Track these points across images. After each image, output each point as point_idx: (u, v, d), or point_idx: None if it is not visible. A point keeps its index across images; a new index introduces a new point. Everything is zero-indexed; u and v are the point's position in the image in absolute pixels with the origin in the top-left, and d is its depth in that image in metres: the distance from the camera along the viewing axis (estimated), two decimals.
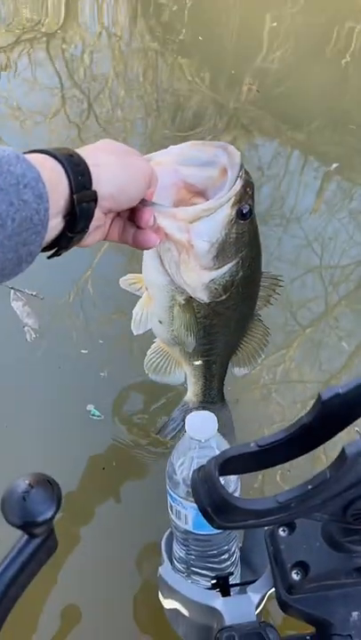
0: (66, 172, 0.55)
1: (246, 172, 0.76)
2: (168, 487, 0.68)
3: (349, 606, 0.56)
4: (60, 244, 0.59)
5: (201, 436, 0.64)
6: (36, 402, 1.30)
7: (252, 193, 0.79)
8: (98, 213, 0.60)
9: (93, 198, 0.58)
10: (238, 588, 0.71)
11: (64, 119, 2.72)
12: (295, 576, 0.57)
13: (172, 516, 0.68)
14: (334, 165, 2.36)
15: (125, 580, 1.00)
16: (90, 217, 0.58)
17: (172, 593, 0.65)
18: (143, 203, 0.67)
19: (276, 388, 1.43)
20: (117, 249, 1.70)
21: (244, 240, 0.82)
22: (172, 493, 0.67)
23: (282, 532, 0.60)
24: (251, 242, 0.84)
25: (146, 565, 1.00)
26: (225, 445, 0.65)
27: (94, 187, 0.58)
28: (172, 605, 0.67)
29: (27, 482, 0.51)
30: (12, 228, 0.50)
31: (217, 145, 0.73)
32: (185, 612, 0.65)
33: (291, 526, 0.60)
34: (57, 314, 1.53)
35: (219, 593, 0.61)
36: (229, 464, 0.52)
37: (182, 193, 0.77)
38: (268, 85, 2.96)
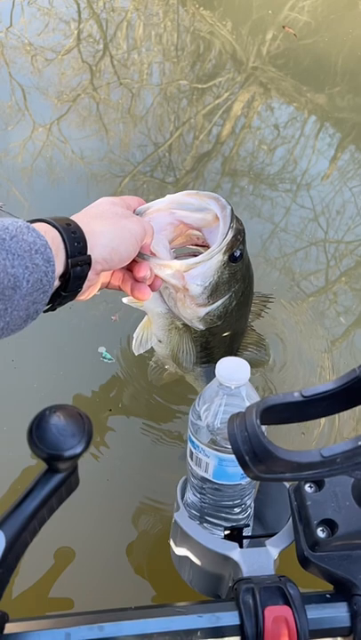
0: (63, 239, 0.62)
1: (237, 220, 0.81)
2: (190, 433, 0.65)
3: None
4: (54, 302, 0.65)
5: (231, 382, 0.61)
6: (45, 341, 1.27)
7: (244, 238, 0.83)
8: (91, 274, 0.66)
9: (88, 262, 0.64)
10: (250, 540, 0.70)
11: (77, 59, 2.60)
12: (321, 533, 0.55)
13: (191, 463, 0.66)
14: None
15: (128, 524, 0.99)
16: (83, 278, 0.65)
17: (186, 539, 0.63)
18: (140, 256, 0.73)
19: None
20: None
21: (237, 277, 0.87)
22: (193, 439, 0.64)
23: (308, 489, 0.58)
24: (243, 275, 0.88)
25: (149, 508, 0.99)
26: (255, 395, 0.62)
27: (89, 251, 0.64)
28: (183, 552, 0.65)
29: (56, 413, 0.48)
30: (26, 288, 0.57)
31: (209, 195, 0.78)
32: (196, 559, 0.63)
33: (319, 483, 0.58)
34: None
35: (236, 544, 0.59)
36: (270, 413, 0.49)
37: (179, 229, 0.82)
38: (294, 38, 2.85)
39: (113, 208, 0.72)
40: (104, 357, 1.21)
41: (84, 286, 0.66)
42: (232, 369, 0.61)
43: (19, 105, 2.16)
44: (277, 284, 1.59)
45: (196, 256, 0.80)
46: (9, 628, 0.51)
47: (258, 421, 0.48)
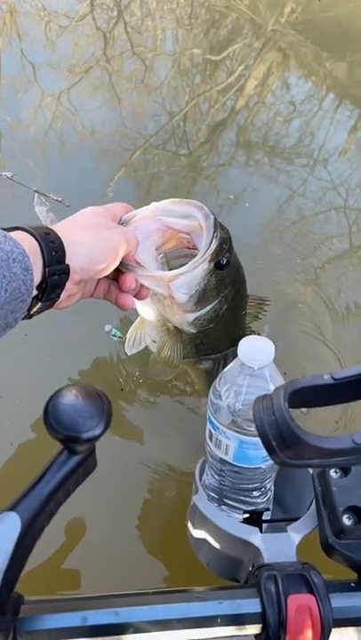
0: (40, 248, 0.62)
1: (222, 228, 0.80)
2: (209, 413, 0.63)
3: None
4: (30, 309, 0.65)
5: (254, 363, 0.58)
6: (56, 316, 1.25)
7: (230, 245, 0.82)
8: (69, 284, 0.66)
9: (66, 271, 0.64)
10: (269, 524, 0.68)
11: (91, 25, 2.54)
12: (347, 521, 0.53)
13: (210, 444, 0.64)
14: None
15: (140, 503, 0.98)
16: (61, 287, 0.65)
17: (204, 522, 0.62)
18: (124, 267, 0.74)
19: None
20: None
21: (226, 282, 0.86)
22: (213, 420, 0.62)
23: (334, 474, 0.56)
24: (233, 280, 0.88)
25: (162, 486, 0.98)
26: (278, 377, 0.60)
27: (67, 261, 0.64)
28: (201, 535, 0.63)
29: (74, 392, 0.46)
30: (4, 297, 0.56)
31: (193, 204, 0.78)
32: (215, 543, 0.62)
33: (345, 469, 0.56)
34: None
35: (257, 529, 0.57)
36: (298, 395, 0.47)
37: (169, 234, 0.81)
38: (317, 3, 2.77)
39: (96, 219, 0.72)
40: (114, 335, 1.19)
41: (63, 295, 0.67)
42: (256, 348, 0.58)
43: (28, 78, 2.11)
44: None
45: (188, 257, 0.80)
46: (24, 610, 0.49)
47: (286, 405, 0.45)
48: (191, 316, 0.86)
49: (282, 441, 0.45)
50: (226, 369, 0.62)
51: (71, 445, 0.46)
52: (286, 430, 0.44)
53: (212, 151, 1.94)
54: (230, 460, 0.62)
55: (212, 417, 0.62)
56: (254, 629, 0.50)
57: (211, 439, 0.63)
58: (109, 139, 1.87)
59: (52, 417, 0.44)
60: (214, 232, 0.77)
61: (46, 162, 1.72)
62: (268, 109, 2.23)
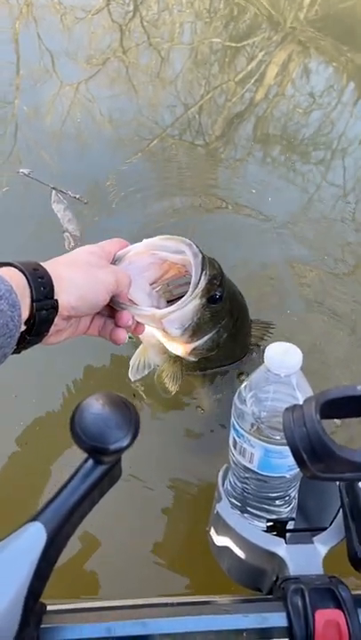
0: (29, 283, 0.63)
1: (211, 265, 0.82)
2: (233, 419, 0.62)
3: None
4: (19, 345, 0.65)
5: (281, 370, 0.57)
6: None
7: (221, 280, 0.84)
8: (58, 320, 0.67)
9: (54, 307, 0.65)
10: (291, 534, 0.67)
11: (107, 18, 2.52)
12: None
13: (234, 452, 0.63)
14: None
15: (155, 509, 0.97)
16: (50, 322, 0.66)
17: (228, 531, 0.61)
18: (117, 305, 0.76)
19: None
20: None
21: (222, 314, 0.88)
22: (237, 427, 0.61)
23: None
24: (230, 310, 0.89)
25: (177, 492, 0.97)
26: (306, 385, 0.59)
27: (56, 296, 0.65)
28: (225, 543, 0.62)
29: (101, 402, 0.45)
30: None
31: (182, 241, 0.79)
32: (239, 552, 0.61)
33: None
34: (100, 222, 1.43)
35: (282, 540, 0.56)
36: (329, 407, 0.46)
37: (166, 265, 0.84)
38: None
39: (88, 257, 0.73)
40: (130, 338, 1.17)
41: (51, 330, 0.67)
42: (282, 355, 0.57)
43: (46, 68, 2.10)
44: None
45: (189, 284, 0.82)
46: (47, 619, 0.49)
47: (318, 416, 0.44)
48: (189, 347, 0.88)
49: (313, 454, 0.43)
50: (252, 374, 0.61)
51: (97, 456, 0.45)
52: (318, 443, 0.43)
53: (228, 144, 1.92)
54: (255, 469, 0.61)
55: (236, 424, 0.61)
56: None
57: (235, 447, 0.62)
58: (126, 127, 1.86)
59: (78, 426, 0.44)
60: (202, 270, 0.79)
61: (61, 154, 1.71)
62: (295, 92, 2.21)
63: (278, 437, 0.59)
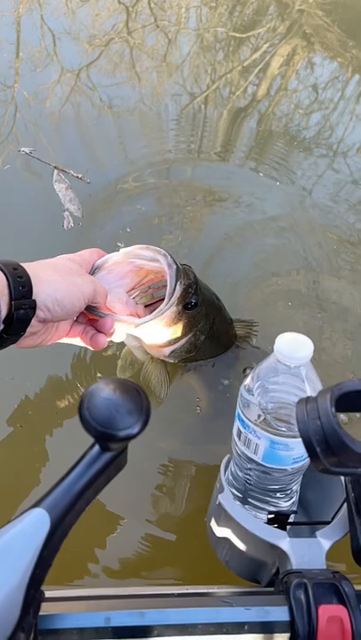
0: (8, 282, 0.63)
1: (186, 274, 0.84)
2: (239, 410, 0.61)
3: None
4: None
5: (290, 361, 0.56)
6: None
7: (195, 288, 0.86)
8: (33, 321, 0.67)
9: (32, 307, 0.66)
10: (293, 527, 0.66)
11: (112, 1, 2.48)
12: None
13: (238, 442, 0.62)
14: None
15: (151, 496, 0.96)
16: (27, 322, 0.66)
17: (229, 523, 0.60)
18: (96, 314, 0.78)
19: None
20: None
21: (198, 318, 0.90)
22: (243, 417, 0.60)
23: None
24: (206, 313, 0.92)
25: (177, 481, 0.96)
26: (315, 377, 0.58)
27: (34, 297, 0.66)
28: (225, 534, 0.61)
29: (111, 387, 0.43)
30: None
31: (158, 251, 0.81)
32: (240, 544, 0.60)
33: None
34: (105, 201, 1.40)
35: (285, 533, 0.56)
36: (344, 400, 0.45)
37: (144, 272, 0.86)
38: None
39: (68, 263, 0.75)
40: None
41: (27, 331, 0.68)
42: (292, 345, 0.56)
43: (48, 50, 2.06)
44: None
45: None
46: (45, 607, 0.48)
47: (333, 410, 0.43)
48: (167, 350, 0.92)
49: (327, 448, 0.42)
50: (260, 364, 0.60)
51: (105, 442, 0.44)
52: (333, 437, 0.42)
53: (236, 138, 1.89)
54: (259, 460, 0.60)
55: (241, 414, 0.60)
56: (282, 638, 0.49)
57: (239, 437, 0.61)
58: (128, 116, 1.83)
59: (87, 411, 0.42)
60: (176, 280, 0.81)
61: (61, 137, 1.68)
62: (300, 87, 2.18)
63: (284, 429, 0.58)
